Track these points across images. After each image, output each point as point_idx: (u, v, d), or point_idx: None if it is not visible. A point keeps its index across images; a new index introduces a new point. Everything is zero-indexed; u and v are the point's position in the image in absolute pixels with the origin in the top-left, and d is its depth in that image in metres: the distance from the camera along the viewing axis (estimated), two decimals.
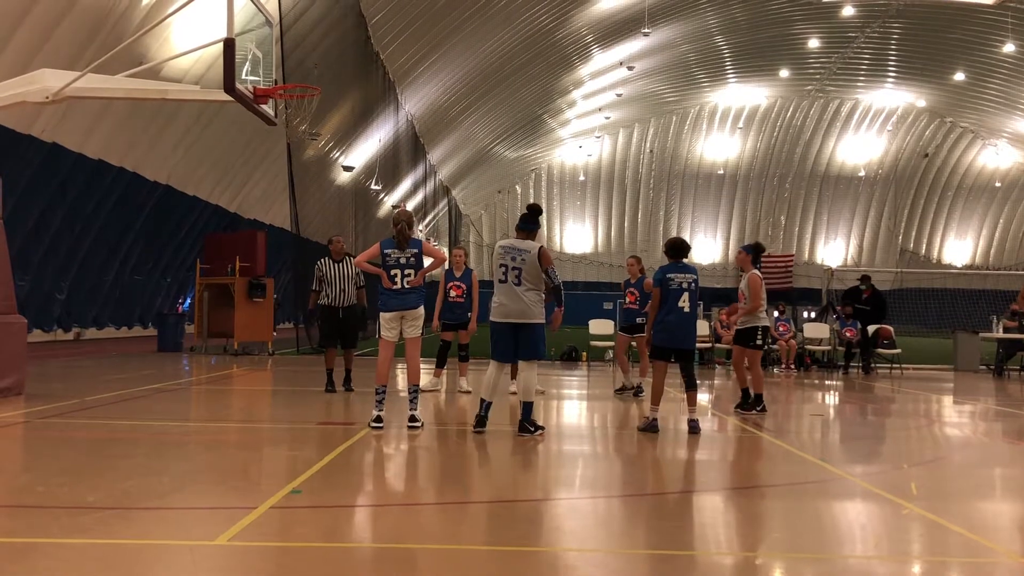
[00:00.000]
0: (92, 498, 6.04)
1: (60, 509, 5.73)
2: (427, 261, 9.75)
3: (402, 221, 9.57)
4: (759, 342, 11.87)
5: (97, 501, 5.95)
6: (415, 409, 9.54)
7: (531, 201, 67.52)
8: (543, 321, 9.35)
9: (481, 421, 9.28)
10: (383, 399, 9.49)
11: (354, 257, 12.75)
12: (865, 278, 21.09)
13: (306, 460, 7.62)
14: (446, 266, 12.74)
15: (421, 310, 9.59)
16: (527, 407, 9.23)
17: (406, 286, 9.49)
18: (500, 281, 9.24)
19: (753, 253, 12.19)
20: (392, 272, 9.48)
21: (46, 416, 9.92)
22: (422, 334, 9.75)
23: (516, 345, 9.26)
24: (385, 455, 8.31)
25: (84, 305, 26.16)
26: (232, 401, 12.40)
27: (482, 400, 9.35)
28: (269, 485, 6.81)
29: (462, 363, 13.62)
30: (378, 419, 9.38)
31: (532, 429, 9.17)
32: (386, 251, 9.52)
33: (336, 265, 12.70)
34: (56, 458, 7.64)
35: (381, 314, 9.58)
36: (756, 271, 11.97)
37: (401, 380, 15.76)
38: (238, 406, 12.25)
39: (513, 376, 12.67)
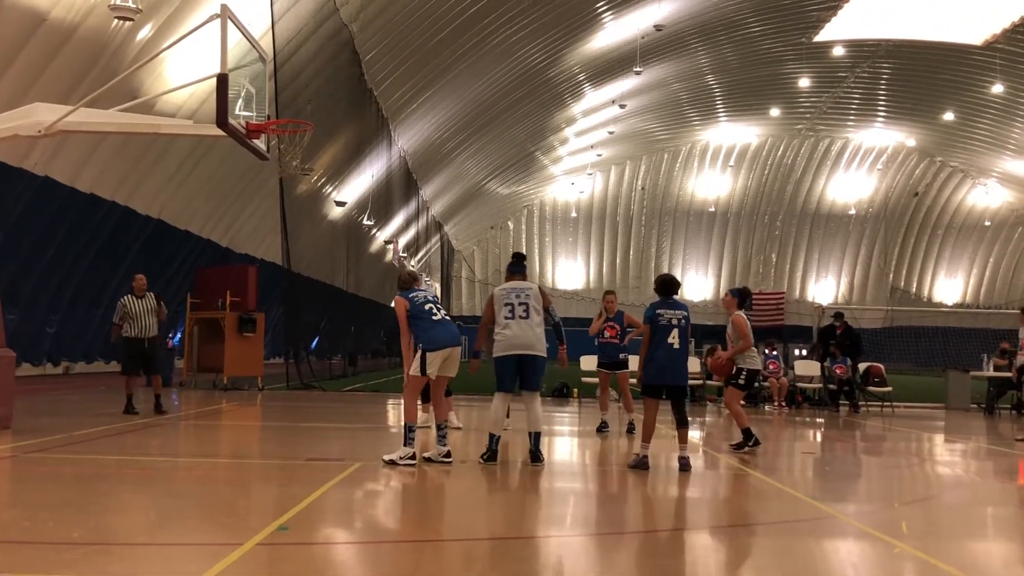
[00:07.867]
0: (77, 534, 5.98)
1: (45, 544, 5.67)
2: None
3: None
4: (741, 382, 11.85)
5: (82, 537, 5.89)
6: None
7: (523, 236, 66.61)
8: (546, 356, 9.70)
9: (493, 455, 9.54)
10: (414, 437, 9.43)
11: (156, 293, 14.45)
12: (838, 315, 21.35)
13: (294, 496, 7.56)
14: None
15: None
16: (538, 437, 9.58)
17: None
18: (507, 317, 9.56)
19: (739, 298, 12.17)
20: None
21: (33, 451, 9.84)
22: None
23: (520, 376, 9.60)
24: (373, 492, 8.25)
25: (74, 339, 26.04)
26: (221, 436, 12.31)
27: (491, 435, 9.63)
28: (256, 521, 6.76)
29: (446, 398, 13.50)
30: (411, 456, 9.31)
31: (542, 458, 9.51)
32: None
33: (139, 301, 14.07)
34: (42, 493, 7.57)
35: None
36: (740, 312, 11.97)
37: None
38: (227, 441, 12.18)
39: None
